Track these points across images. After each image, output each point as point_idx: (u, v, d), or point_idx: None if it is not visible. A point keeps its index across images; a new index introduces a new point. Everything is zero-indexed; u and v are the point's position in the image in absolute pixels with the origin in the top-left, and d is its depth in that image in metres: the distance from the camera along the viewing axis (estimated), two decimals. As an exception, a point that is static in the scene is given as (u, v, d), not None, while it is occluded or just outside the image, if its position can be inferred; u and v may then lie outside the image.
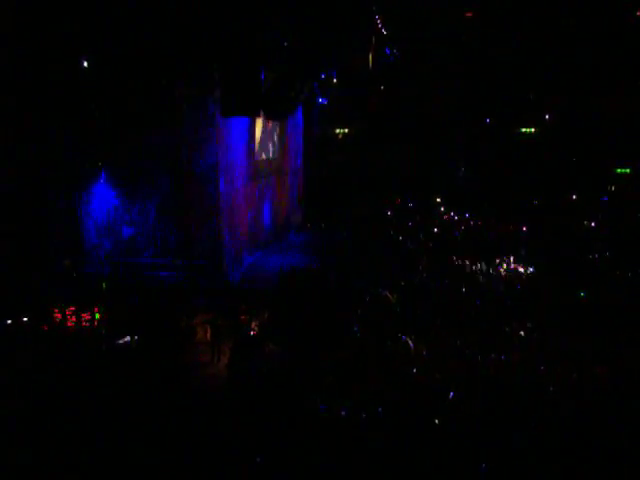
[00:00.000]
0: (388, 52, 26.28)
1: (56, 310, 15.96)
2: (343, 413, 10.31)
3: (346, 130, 29.84)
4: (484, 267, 19.02)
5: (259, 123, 22.17)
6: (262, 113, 21.13)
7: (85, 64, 17.28)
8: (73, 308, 16.08)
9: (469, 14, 26.47)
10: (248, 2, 17.77)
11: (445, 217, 26.70)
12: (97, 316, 16.05)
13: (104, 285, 17.26)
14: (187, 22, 16.93)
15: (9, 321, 15.56)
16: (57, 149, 18.16)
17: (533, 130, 29.20)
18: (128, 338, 15.02)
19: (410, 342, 12.85)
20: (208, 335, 14.95)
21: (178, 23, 16.94)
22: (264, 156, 23.18)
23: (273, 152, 24.25)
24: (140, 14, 16.67)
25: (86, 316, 16.11)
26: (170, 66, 17.32)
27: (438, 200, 28.40)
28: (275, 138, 24.46)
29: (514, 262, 19.48)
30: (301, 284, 16.68)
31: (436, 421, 9.89)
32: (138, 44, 16.94)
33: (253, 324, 15.08)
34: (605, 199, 27.09)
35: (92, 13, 16.66)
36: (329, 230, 25.31)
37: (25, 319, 15.63)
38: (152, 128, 17.91)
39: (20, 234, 18.07)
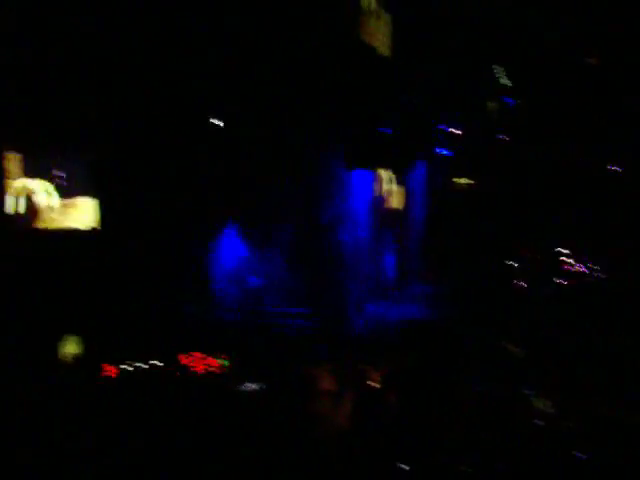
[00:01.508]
0: (511, 102, 26.02)
1: (186, 355, 16.65)
2: (468, 469, 10.08)
3: (469, 181, 29.54)
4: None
5: (382, 174, 22.45)
6: (385, 165, 21.47)
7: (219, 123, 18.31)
8: (201, 354, 16.74)
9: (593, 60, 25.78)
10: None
11: (573, 268, 25.72)
12: (225, 362, 16.60)
13: (232, 332, 17.85)
14: (314, 80, 17.60)
15: (141, 365, 16.39)
16: (197, 197, 19.04)
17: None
18: (254, 385, 15.40)
19: (536, 398, 12.44)
20: (330, 385, 15.03)
21: (303, 82, 17.65)
22: (387, 207, 23.37)
23: (395, 203, 24.39)
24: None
25: (214, 362, 16.71)
26: (299, 121, 17.95)
27: (565, 251, 27.36)
28: (397, 189, 24.62)
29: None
30: (424, 336, 16.58)
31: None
32: (274, 101, 17.72)
33: (376, 375, 15.06)
34: None
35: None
36: (451, 280, 24.97)
37: (156, 363, 16.41)
38: (279, 180, 18.56)
39: (154, 278, 19.00)
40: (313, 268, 18.95)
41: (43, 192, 18.51)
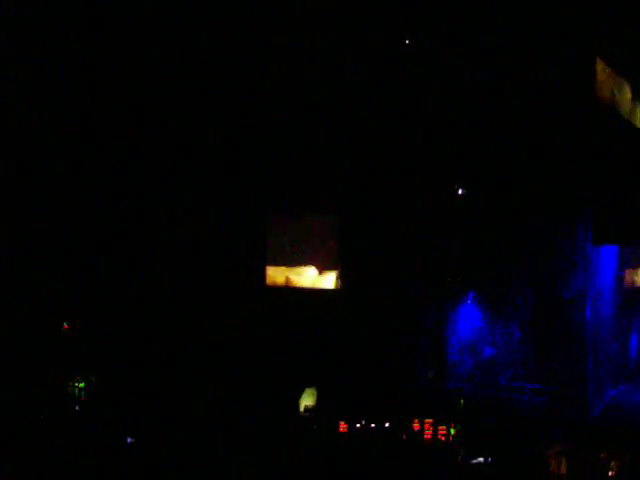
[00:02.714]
0: None
1: (416, 420, 16.95)
2: None
3: None
4: None
5: (631, 249, 21.27)
6: (632, 239, 20.34)
7: (460, 191, 18.80)
8: (431, 420, 16.92)
9: None
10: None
11: None
12: (452, 431, 16.62)
13: (462, 402, 17.83)
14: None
15: (373, 424, 17.00)
16: (432, 269, 19.51)
17: None
18: (482, 459, 15.24)
19: None
20: (562, 468, 14.43)
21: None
22: (633, 284, 22.00)
23: (643, 279, 22.92)
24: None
25: (442, 430, 16.80)
26: (540, 197, 17.82)
27: None
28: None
29: None
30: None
31: None
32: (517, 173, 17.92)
33: (613, 464, 14.18)
34: None
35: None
36: None
37: (387, 424, 16.91)
38: (518, 254, 18.41)
39: (392, 342, 19.63)
40: (552, 343, 18.36)
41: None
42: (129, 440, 15.75)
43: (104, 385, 18.44)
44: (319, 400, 18.34)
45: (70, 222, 20.65)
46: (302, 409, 18.21)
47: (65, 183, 20.61)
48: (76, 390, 17.99)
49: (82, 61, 20.67)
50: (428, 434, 16.89)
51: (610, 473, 13.84)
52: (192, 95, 20.40)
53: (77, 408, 17.56)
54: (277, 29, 19.66)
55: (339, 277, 20.20)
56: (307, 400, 18.36)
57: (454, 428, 16.69)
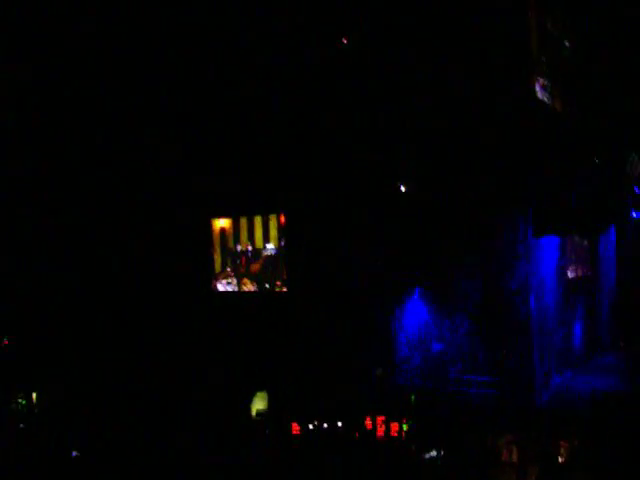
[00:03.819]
0: None
1: (368, 418, 16.93)
2: None
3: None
4: None
5: (570, 241, 21.73)
6: (574, 230, 20.79)
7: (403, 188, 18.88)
8: (383, 418, 16.93)
9: None
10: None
11: None
12: (405, 427, 16.66)
13: (413, 398, 17.88)
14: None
15: (325, 425, 16.91)
16: (378, 266, 19.52)
17: None
18: (434, 453, 15.30)
19: None
20: (514, 457, 14.59)
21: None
22: (575, 274, 22.49)
23: (584, 270, 23.42)
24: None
25: (395, 426, 16.82)
26: (481, 191, 18.03)
27: None
28: (586, 256, 23.65)
29: None
30: (617, 410, 15.59)
31: None
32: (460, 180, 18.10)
33: (562, 450, 14.40)
34: None
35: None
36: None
37: (339, 424, 16.85)
38: (463, 248, 18.58)
39: (340, 340, 19.57)
40: (498, 335, 18.57)
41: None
42: (74, 454, 15.36)
43: (46, 400, 17.95)
44: (270, 404, 18.17)
45: (5, 235, 20.01)
46: (254, 413, 18.02)
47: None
48: (19, 406, 17.48)
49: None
50: (381, 431, 16.89)
51: (560, 459, 14.05)
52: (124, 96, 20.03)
53: (21, 425, 17.02)
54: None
55: (286, 280, 20.16)
56: (259, 404, 18.17)
57: (406, 424, 16.72)
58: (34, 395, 17.98)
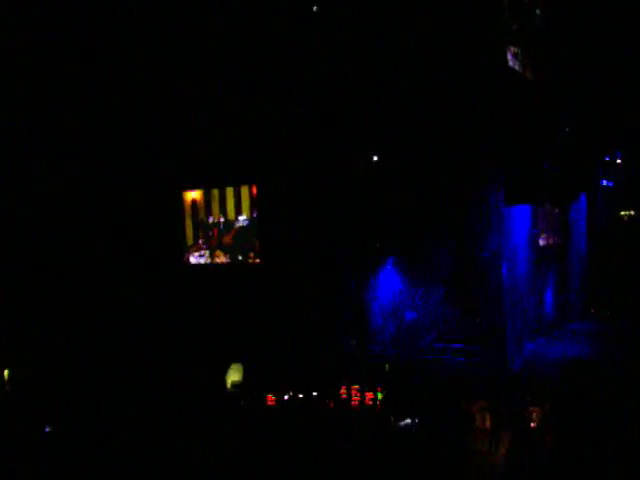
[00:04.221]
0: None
1: (343, 388, 17.03)
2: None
3: (632, 212, 27.92)
4: None
5: (541, 209, 21.85)
6: (545, 198, 20.87)
7: (375, 158, 18.81)
8: (357, 387, 17.04)
9: None
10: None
11: None
12: (379, 396, 16.78)
13: (387, 366, 17.99)
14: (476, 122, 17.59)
15: (300, 395, 16.98)
16: (351, 237, 19.48)
17: None
18: (409, 420, 15.43)
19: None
20: (487, 423, 14.77)
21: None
22: (546, 242, 22.68)
23: (555, 238, 23.61)
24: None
25: (369, 395, 16.95)
26: (453, 160, 17.99)
27: None
28: (557, 224, 23.83)
29: None
30: (586, 376, 15.83)
31: None
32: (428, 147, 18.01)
33: (534, 415, 14.59)
34: None
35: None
36: (615, 318, 23.65)
37: (314, 394, 16.92)
38: (436, 217, 18.59)
39: (314, 310, 19.58)
40: (471, 303, 18.68)
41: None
42: (47, 429, 15.30)
43: (19, 377, 17.80)
44: (246, 375, 18.16)
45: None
46: (229, 385, 17.99)
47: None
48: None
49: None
50: (355, 400, 17.00)
51: (532, 424, 14.23)
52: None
53: None
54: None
55: (258, 251, 20.05)
56: (234, 376, 18.14)
57: (381, 392, 16.84)
58: (6, 372, 17.77)
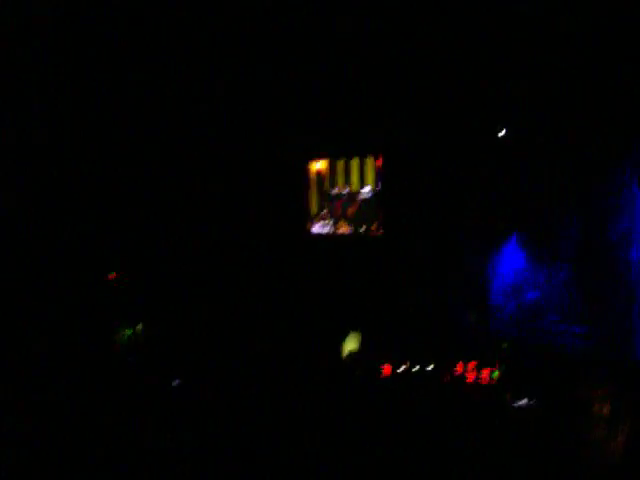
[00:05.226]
0: None
1: (460, 363, 17.05)
2: None
3: None
4: None
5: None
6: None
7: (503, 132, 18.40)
8: (474, 363, 17.01)
9: None
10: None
11: None
12: (495, 374, 16.70)
13: (505, 345, 17.83)
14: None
15: (417, 367, 17.17)
16: (474, 212, 19.23)
17: None
18: (525, 401, 15.30)
19: None
20: (605, 410, 14.39)
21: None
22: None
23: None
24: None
25: (486, 372, 16.89)
26: (586, 136, 17.32)
27: None
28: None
29: None
30: None
31: None
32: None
33: (657, 405, 14.09)
34: None
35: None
36: None
37: (430, 368, 17.06)
38: (564, 194, 18.03)
39: (434, 284, 19.62)
40: (597, 286, 18.10)
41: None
42: (177, 382, 16.17)
43: (151, 331, 18.96)
44: (362, 345, 18.54)
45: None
46: (345, 355, 18.44)
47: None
48: (125, 337, 18.54)
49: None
50: (471, 377, 17.01)
51: (655, 416, 13.77)
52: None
53: (128, 356, 18.11)
54: None
55: (381, 223, 20.20)
56: (350, 345, 18.56)
57: (498, 370, 16.76)
58: (139, 326, 18.95)
